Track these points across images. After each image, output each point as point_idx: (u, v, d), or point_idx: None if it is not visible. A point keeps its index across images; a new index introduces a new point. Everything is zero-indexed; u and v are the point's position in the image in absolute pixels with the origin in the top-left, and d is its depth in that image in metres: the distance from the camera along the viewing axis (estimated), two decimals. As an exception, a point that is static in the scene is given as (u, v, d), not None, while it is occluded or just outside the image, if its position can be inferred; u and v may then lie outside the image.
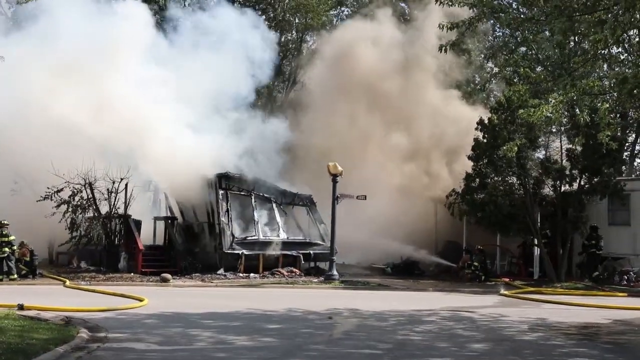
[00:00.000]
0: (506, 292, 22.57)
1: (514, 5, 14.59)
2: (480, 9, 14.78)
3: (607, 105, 16.43)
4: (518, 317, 16.83)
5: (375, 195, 28.68)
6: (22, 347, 10.65)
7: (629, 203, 26.80)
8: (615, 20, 14.07)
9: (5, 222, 23.77)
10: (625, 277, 25.66)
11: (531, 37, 15.78)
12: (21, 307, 15.57)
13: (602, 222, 26.52)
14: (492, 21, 17.61)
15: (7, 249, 23.41)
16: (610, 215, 27.06)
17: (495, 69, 17.23)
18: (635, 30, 17.93)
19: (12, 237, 23.80)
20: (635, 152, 37.42)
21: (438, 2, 15.29)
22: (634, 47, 21.07)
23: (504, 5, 14.41)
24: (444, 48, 14.93)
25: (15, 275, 23.51)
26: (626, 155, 35.44)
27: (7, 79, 26.37)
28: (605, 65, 17.86)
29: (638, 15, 14.58)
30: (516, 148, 22.80)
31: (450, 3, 15.28)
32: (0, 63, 13.60)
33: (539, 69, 19.15)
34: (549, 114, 15.87)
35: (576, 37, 18.78)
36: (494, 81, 15.67)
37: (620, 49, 19.00)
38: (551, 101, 15.38)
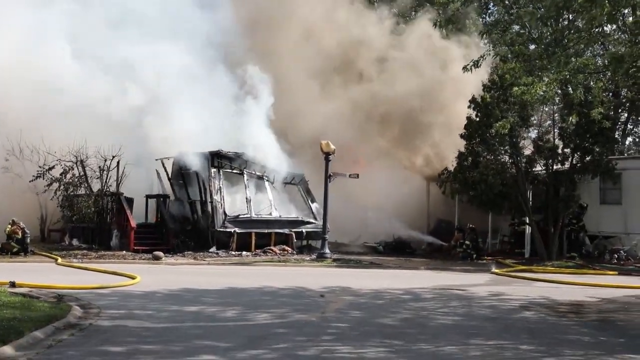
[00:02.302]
0: (497, 271, 22.62)
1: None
2: None
3: (602, 84, 16.39)
4: (509, 295, 16.88)
5: (367, 173, 28.70)
6: (14, 325, 10.58)
7: (621, 182, 26.88)
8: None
9: None
10: (616, 255, 25.76)
11: (523, 13, 15.71)
12: (13, 285, 15.50)
13: (594, 200, 26.61)
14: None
15: None
16: (602, 194, 27.13)
17: (490, 47, 17.19)
18: (629, 9, 17.87)
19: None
20: (627, 131, 37.47)
21: None
22: (629, 26, 21.01)
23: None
24: (438, 24, 14.86)
25: None
26: (618, 135, 35.50)
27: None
28: (599, 44, 17.78)
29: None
30: (509, 125, 22.86)
31: None
32: None
33: (532, 47, 18.98)
34: (542, 92, 15.86)
35: (569, 15, 18.67)
36: (487, 57, 15.57)
37: (614, 27, 18.93)
38: (545, 79, 15.34)
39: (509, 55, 16.25)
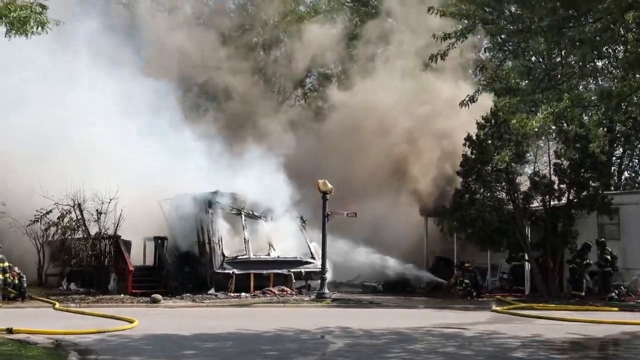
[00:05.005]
0: (498, 309, 22.45)
1: (502, 18, 14.61)
2: (471, 20, 14.85)
3: (596, 118, 16.47)
4: (510, 333, 16.72)
5: (365, 212, 28.65)
6: (11, 372, 10.45)
7: (619, 217, 26.77)
8: (597, 37, 14.15)
9: None
10: (617, 291, 25.55)
11: (519, 48, 15.89)
12: (10, 331, 15.30)
13: (592, 236, 26.42)
14: (479, 36, 17.70)
15: (0, 276, 22.51)
16: (599, 229, 27.01)
17: (483, 81, 17.40)
18: (619, 46, 18.02)
19: (6, 264, 22.93)
20: (623, 165, 37.52)
21: (431, 11, 15.33)
22: (619, 61, 21.19)
23: (494, 18, 14.46)
24: (434, 58, 14.95)
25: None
26: (614, 169, 35.55)
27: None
28: (591, 79, 17.96)
29: (622, 31, 14.66)
30: (507, 158, 22.94)
31: (442, 13, 15.34)
32: None
33: (525, 82, 19.15)
34: (537, 126, 15.92)
35: (562, 52, 18.89)
36: (481, 92, 15.67)
37: (605, 62, 19.11)
38: (540, 113, 15.41)
39: (503, 90, 16.35)
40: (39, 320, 18.00)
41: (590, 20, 14.06)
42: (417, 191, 31.96)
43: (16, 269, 24.01)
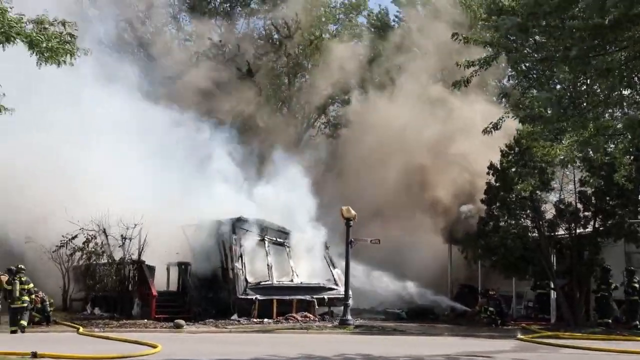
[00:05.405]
0: (523, 337, 22.15)
1: (527, 46, 14.61)
2: (495, 48, 14.89)
3: (622, 146, 16.34)
4: (536, 362, 16.52)
5: (388, 239, 28.58)
6: (35, 396, 10.49)
7: (646, 245, 26.42)
8: (624, 66, 14.10)
9: (22, 266, 22.77)
10: (643, 321, 25.17)
11: (544, 76, 15.89)
12: (34, 355, 15.35)
13: (620, 265, 26.10)
14: (503, 64, 17.73)
15: (26, 298, 22.12)
16: (627, 258, 26.67)
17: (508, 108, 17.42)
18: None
19: (30, 285, 22.68)
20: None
21: (454, 38, 15.41)
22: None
23: (517, 46, 14.48)
24: (458, 85, 14.99)
25: (25, 323, 22.01)
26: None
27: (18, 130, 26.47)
28: (617, 107, 17.85)
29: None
30: (530, 187, 22.80)
31: (466, 40, 15.40)
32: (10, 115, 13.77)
33: (549, 110, 19.08)
34: (562, 155, 15.84)
35: (587, 80, 18.81)
36: (505, 119, 15.66)
37: (631, 91, 18.98)
38: (565, 141, 15.34)
39: (527, 118, 16.28)
40: (63, 344, 18.06)
41: (616, 49, 14.02)
42: (439, 216, 31.96)
43: (40, 293, 24.18)
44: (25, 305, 22.16)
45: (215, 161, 30.27)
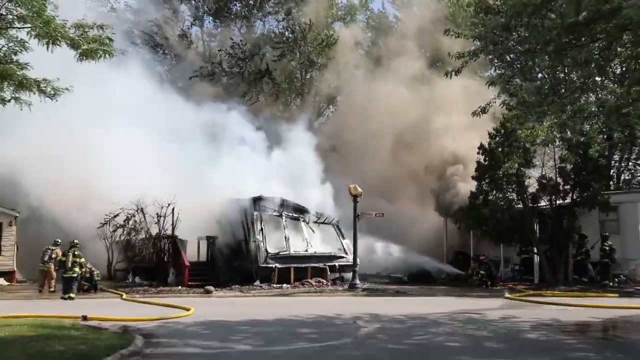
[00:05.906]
0: (510, 296, 22.23)
1: (511, 39, 14.51)
2: (483, 41, 14.84)
3: (597, 127, 16.26)
4: (522, 317, 16.55)
5: (391, 211, 28.65)
6: (87, 352, 10.66)
7: (618, 214, 26.45)
8: (599, 57, 14.02)
9: (76, 241, 23.14)
10: (617, 279, 25.22)
11: (526, 68, 15.82)
12: (85, 318, 15.59)
13: (595, 231, 26.09)
14: (490, 56, 17.62)
15: (77, 269, 22.48)
16: (601, 225, 26.65)
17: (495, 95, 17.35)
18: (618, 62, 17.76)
19: (82, 260, 22.91)
20: (622, 168, 36.94)
21: (446, 33, 15.40)
22: (617, 77, 20.93)
23: (503, 39, 14.36)
24: (449, 74, 14.96)
25: (74, 295, 22.08)
26: (614, 172, 35.03)
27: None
28: (591, 93, 17.76)
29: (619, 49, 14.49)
30: (516, 165, 22.77)
31: (457, 35, 15.36)
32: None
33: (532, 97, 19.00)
34: (543, 136, 15.80)
35: (565, 69, 18.71)
36: (493, 105, 15.61)
37: (604, 78, 18.85)
38: (545, 124, 15.30)
39: (512, 103, 16.21)
40: (108, 308, 18.27)
41: (590, 41, 13.92)
42: (433, 191, 32.09)
43: (89, 264, 24.39)
44: (75, 275, 22.46)
45: (239, 144, 30.34)
